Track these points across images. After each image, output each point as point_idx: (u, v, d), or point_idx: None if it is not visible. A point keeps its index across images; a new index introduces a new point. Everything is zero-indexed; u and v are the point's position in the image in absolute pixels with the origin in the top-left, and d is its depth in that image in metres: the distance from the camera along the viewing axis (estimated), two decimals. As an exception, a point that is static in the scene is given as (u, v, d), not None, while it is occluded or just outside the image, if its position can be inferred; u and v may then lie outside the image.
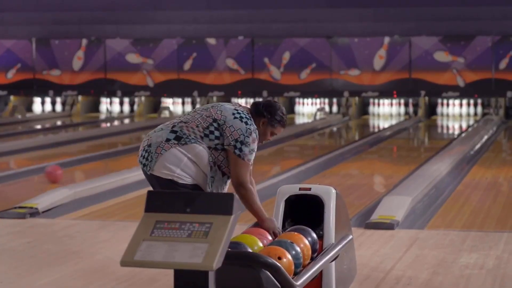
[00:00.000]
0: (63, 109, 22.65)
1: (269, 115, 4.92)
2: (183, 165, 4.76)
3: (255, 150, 4.84)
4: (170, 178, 4.76)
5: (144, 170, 4.85)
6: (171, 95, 21.33)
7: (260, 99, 21.16)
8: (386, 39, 20.30)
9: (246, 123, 4.79)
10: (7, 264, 6.38)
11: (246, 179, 4.78)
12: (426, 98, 20.58)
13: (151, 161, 4.79)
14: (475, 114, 20.62)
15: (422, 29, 20.47)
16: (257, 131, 4.86)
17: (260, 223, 4.90)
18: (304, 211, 5.28)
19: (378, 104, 21.18)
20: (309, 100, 21.53)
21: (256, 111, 4.92)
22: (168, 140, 4.78)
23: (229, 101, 21.67)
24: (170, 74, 21.01)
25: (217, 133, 4.79)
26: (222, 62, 21.05)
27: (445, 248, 6.81)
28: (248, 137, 4.78)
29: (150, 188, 4.91)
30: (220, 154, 4.81)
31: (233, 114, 4.81)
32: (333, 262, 5.05)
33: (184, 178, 4.76)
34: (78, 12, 22.29)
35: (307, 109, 21.58)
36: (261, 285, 4.18)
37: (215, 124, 4.80)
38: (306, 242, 4.72)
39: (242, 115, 4.82)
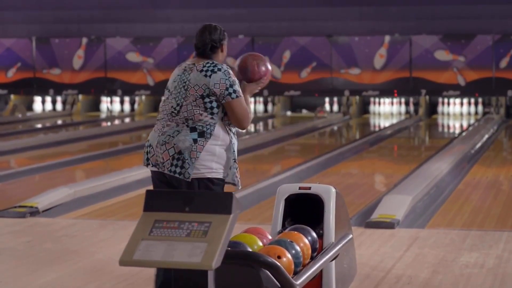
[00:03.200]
0: (64, 108, 22.64)
1: (219, 41, 4.93)
2: (217, 158, 4.78)
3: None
4: (209, 176, 4.75)
5: (179, 178, 4.75)
6: (171, 94, 21.26)
7: (261, 99, 21.34)
8: (387, 38, 20.29)
9: (219, 69, 4.83)
10: (7, 263, 6.38)
11: (249, 115, 4.87)
12: (427, 97, 20.57)
13: (188, 167, 4.73)
14: (476, 113, 20.60)
15: (422, 28, 20.46)
16: (228, 67, 4.90)
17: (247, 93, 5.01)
18: (304, 210, 5.28)
19: (379, 103, 21.17)
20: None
21: (212, 50, 4.92)
22: (195, 140, 4.77)
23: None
24: (171, 73, 20.94)
25: (213, 103, 4.80)
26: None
27: (445, 247, 6.80)
28: (231, 76, 4.82)
29: (150, 187, 4.89)
30: (225, 116, 4.84)
31: (204, 75, 4.81)
32: (333, 261, 5.05)
33: (219, 170, 4.78)
34: (78, 11, 22.29)
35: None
36: (260, 284, 4.17)
37: (206, 99, 4.80)
38: (306, 241, 4.71)
39: (208, 68, 4.83)
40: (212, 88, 4.77)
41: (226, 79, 4.80)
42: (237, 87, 4.82)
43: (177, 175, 4.75)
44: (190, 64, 4.92)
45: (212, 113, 4.79)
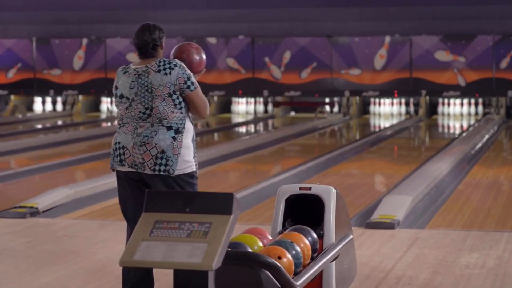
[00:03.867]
0: (64, 109, 22.65)
1: (159, 39, 5.05)
2: (191, 151, 4.92)
3: None
4: (190, 171, 4.89)
5: (164, 176, 4.83)
6: (171, 94, 21.25)
7: (261, 99, 21.34)
8: (387, 39, 20.28)
9: (175, 65, 4.89)
10: (7, 264, 6.38)
11: (207, 103, 4.99)
12: (427, 97, 20.56)
13: (172, 164, 4.84)
14: (476, 113, 20.60)
15: (422, 28, 20.45)
16: (180, 60, 4.96)
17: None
18: (304, 211, 5.27)
19: (379, 104, 21.17)
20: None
21: (153, 48, 4.99)
22: (174, 138, 4.83)
23: (230, 101, 21.72)
24: (171, 73, 20.95)
25: (180, 98, 4.90)
26: (223, 62, 21.04)
27: (446, 248, 6.80)
28: (186, 70, 4.91)
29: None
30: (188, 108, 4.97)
31: (164, 74, 4.86)
32: (333, 262, 5.04)
33: (194, 162, 4.93)
34: (78, 11, 22.28)
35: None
36: (261, 285, 4.17)
37: (174, 96, 4.86)
38: (306, 241, 4.71)
39: (165, 66, 4.88)
40: (176, 84, 4.85)
41: (183, 73, 4.89)
42: (193, 79, 4.93)
43: (162, 173, 4.83)
44: (143, 67, 4.94)
45: (181, 108, 4.90)
